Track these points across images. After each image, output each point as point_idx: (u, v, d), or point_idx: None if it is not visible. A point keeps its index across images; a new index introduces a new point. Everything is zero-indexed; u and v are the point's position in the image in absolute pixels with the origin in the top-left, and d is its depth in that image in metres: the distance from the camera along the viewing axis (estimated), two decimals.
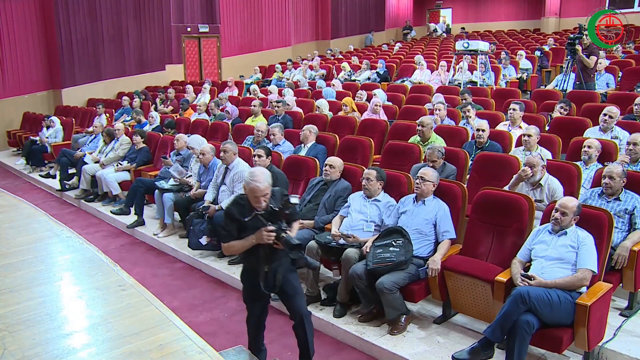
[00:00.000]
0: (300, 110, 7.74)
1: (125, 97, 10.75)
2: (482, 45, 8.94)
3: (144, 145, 6.99)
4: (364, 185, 3.99)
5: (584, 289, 3.02)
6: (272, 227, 2.82)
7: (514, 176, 4.07)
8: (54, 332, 3.11)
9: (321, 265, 4.08)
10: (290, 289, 3.03)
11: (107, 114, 9.81)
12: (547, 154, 4.69)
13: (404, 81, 9.96)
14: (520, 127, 5.54)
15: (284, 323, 3.91)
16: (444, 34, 19.46)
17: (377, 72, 10.93)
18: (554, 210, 3.21)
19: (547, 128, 5.71)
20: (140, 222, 6.07)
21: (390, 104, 7.65)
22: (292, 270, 3.05)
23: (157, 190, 5.78)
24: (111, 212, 6.57)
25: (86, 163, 7.26)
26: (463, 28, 19.46)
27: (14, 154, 10.99)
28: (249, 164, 4.95)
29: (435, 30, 19.76)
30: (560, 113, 5.97)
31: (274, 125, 6.06)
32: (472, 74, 9.22)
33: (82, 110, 11.26)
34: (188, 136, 6.27)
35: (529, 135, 4.65)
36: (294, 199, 2.93)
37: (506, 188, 3.99)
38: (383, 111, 7.05)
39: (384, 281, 3.41)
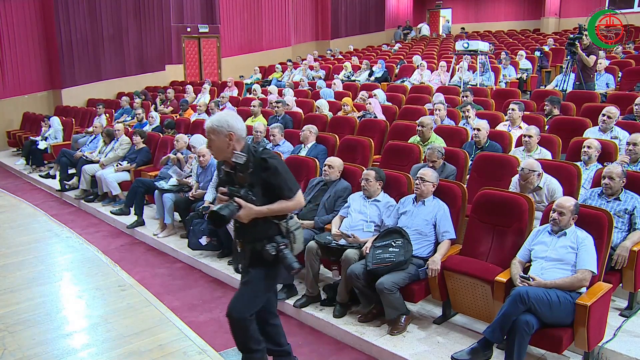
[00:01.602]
0: (300, 111, 7.74)
1: (124, 98, 10.76)
2: (482, 46, 8.94)
3: (144, 145, 6.99)
4: (363, 186, 3.99)
5: (583, 289, 3.02)
6: (226, 189, 2.47)
7: (514, 179, 4.08)
8: (54, 332, 3.12)
9: (315, 266, 4.07)
10: (243, 283, 2.69)
11: (107, 114, 9.81)
12: (547, 154, 4.69)
13: (403, 81, 9.96)
14: (520, 127, 5.54)
15: (283, 323, 3.90)
16: (444, 35, 19.45)
17: (368, 73, 10.97)
18: (551, 211, 3.21)
19: (546, 128, 5.72)
20: (140, 222, 6.06)
21: (390, 104, 7.65)
22: (266, 264, 2.60)
23: (157, 191, 5.78)
24: (111, 212, 6.57)
25: (88, 161, 7.27)
26: (463, 28, 19.45)
27: (14, 154, 11.00)
28: None
29: (419, 31, 19.77)
30: (545, 109, 6.02)
31: (273, 126, 6.06)
32: (472, 73, 9.22)
33: (82, 110, 11.26)
34: (189, 136, 6.27)
35: (530, 136, 4.66)
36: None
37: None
38: (380, 110, 7.02)
39: (384, 281, 3.41)
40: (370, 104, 6.94)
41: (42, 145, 9.15)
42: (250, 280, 2.66)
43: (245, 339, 2.70)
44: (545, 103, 6.05)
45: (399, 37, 19.18)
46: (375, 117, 6.78)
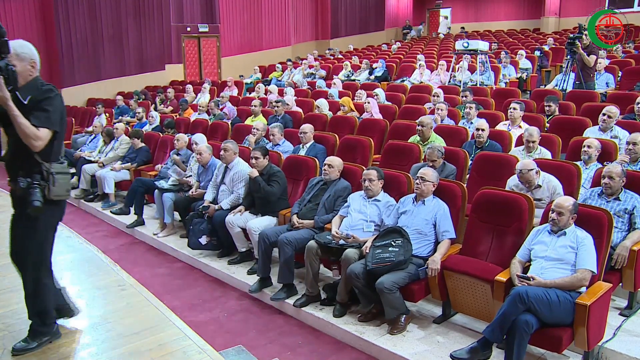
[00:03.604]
0: (300, 110, 7.75)
1: (118, 97, 10.82)
2: (482, 45, 8.94)
3: (143, 144, 6.99)
4: (367, 187, 3.97)
5: (583, 289, 3.02)
6: None
7: (510, 181, 4.08)
8: None
9: (321, 265, 4.07)
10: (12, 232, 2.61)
11: (107, 114, 9.82)
12: (547, 154, 4.69)
13: (403, 81, 9.96)
14: (520, 126, 5.54)
15: (283, 322, 3.92)
16: (442, 34, 19.46)
17: (367, 72, 10.98)
18: (550, 211, 3.21)
19: (546, 128, 5.72)
20: (140, 222, 6.06)
21: (390, 103, 7.65)
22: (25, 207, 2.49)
23: (156, 190, 5.78)
24: (111, 212, 6.57)
25: (87, 161, 7.27)
26: (463, 28, 19.46)
27: None
28: (249, 164, 4.95)
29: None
30: (548, 110, 6.01)
31: (273, 126, 6.05)
32: (471, 74, 9.23)
33: (82, 110, 11.26)
34: (189, 136, 6.28)
35: (533, 141, 4.66)
36: None
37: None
38: (377, 110, 7.02)
39: (384, 281, 3.41)
40: (368, 102, 6.94)
41: None
42: (17, 233, 2.61)
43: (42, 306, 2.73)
44: (549, 104, 6.02)
45: (419, 33, 19.47)
46: (372, 116, 6.79)
